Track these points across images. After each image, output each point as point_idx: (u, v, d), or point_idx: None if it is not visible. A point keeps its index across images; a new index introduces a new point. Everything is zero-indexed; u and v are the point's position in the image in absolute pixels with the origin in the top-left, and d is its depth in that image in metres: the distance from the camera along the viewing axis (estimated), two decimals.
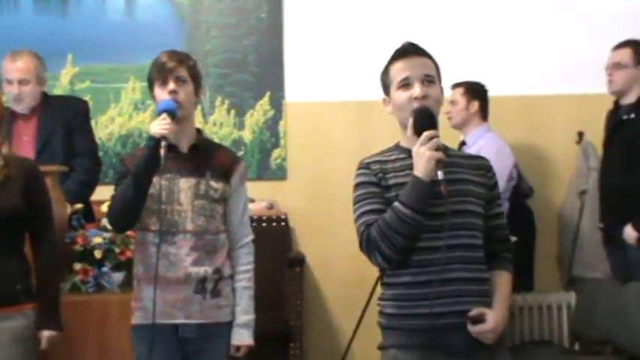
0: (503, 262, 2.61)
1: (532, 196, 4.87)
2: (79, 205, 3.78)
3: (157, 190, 2.86)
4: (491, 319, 2.46)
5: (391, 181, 2.52)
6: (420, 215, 2.42)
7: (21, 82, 4.10)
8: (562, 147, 5.11)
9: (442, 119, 4.41)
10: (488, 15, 5.16)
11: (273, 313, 4.63)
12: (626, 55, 4.33)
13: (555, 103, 5.13)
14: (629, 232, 4.07)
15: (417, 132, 2.46)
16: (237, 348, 2.99)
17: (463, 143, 4.56)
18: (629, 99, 4.32)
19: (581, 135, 5.04)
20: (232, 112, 5.20)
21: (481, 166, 2.62)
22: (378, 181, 2.53)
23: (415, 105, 2.50)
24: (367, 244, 2.49)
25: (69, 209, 3.71)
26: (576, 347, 4.64)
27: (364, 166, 2.58)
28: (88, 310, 3.51)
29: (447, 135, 4.48)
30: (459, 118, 4.57)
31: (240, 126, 5.21)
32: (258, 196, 4.90)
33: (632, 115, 4.27)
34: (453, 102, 4.57)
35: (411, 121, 2.50)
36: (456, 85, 4.60)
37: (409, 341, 2.48)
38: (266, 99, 5.21)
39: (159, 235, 2.86)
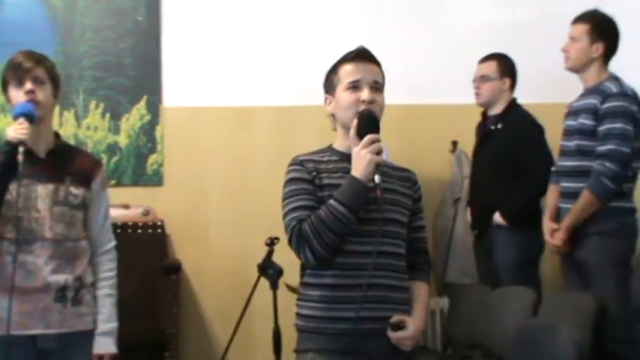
0: (422, 273, 2.70)
1: None
2: None
3: (13, 197, 2.74)
4: (412, 327, 2.52)
5: (325, 181, 2.54)
6: (354, 215, 2.45)
7: None
8: (436, 156, 5.22)
9: None
10: (363, 23, 5.20)
11: (148, 320, 4.55)
12: (491, 67, 4.49)
13: (429, 112, 5.24)
14: (497, 218, 4.29)
15: (360, 134, 2.49)
16: (100, 357, 2.90)
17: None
18: (496, 110, 4.48)
19: (454, 144, 5.16)
20: (107, 115, 5.08)
21: (408, 178, 2.70)
22: (311, 178, 2.55)
23: (361, 107, 2.53)
24: (298, 239, 2.49)
25: None
26: (449, 351, 4.74)
27: (298, 162, 2.59)
28: None
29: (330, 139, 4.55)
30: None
31: (116, 130, 5.09)
32: (134, 202, 4.81)
33: (500, 126, 4.42)
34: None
35: (355, 122, 2.51)
36: None
37: (329, 345, 2.50)
38: (142, 103, 5.11)
39: (15, 244, 2.75)
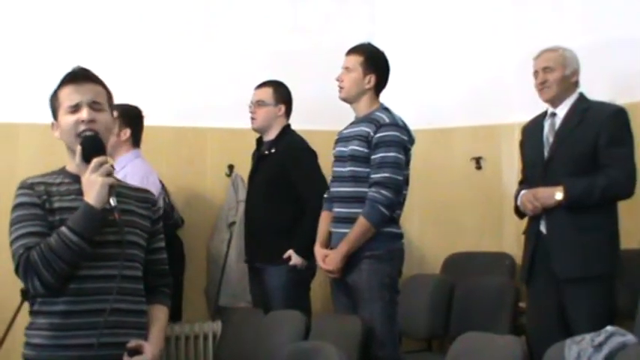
0: (161, 295, 2.66)
1: (182, 227, 4.91)
2: None
3: None
4: (149, 352, 2.47)
5: (56, 205, 2.44)
6: (88, 243, 2.36)
7: None
8: (212, 179, 5.23)
9: None
10: (146, 41, 5.14)
11: None
12: (267, 93, 4.58)
13: (207, 135, 5.24)
14: (294, 259, 4.34)
15: (86, 159, 2.42)
16: None
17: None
18: (270, 135, 4.56)
19: (231, 168, 5.19)
20: None
21: (147, 199, 2.65)
22: (41, 203, 2.43)
23: (82, 128, 2.46)
24: (25, 269, 2.37)
25: None
26: None
27: (27, 186, 2.47)
28: None
29: None
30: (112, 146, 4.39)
31: None
32: None
33: (273, 150, 4.50)
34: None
35: (79, 148, 2.44)
36: None
37: None
38: None
39: None
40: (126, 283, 2.45)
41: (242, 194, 4.99)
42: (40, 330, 2.44)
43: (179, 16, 5.27)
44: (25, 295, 3.85)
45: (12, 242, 2.43)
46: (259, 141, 4.65)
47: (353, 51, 4.09)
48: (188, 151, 5.21)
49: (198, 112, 5.17)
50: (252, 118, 4.58)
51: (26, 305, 3.88)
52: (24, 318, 3.93)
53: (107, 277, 2.39)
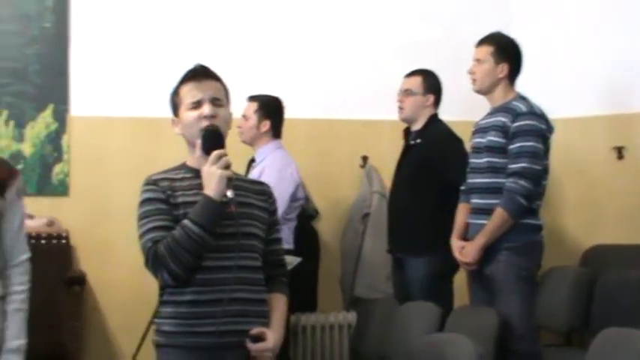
0: (280, 284, 2.73)
1: (317, 218, 4.97)
2: None
3: None
4: (271, 339, 2.55)
5: (179, 199, 2.53)
6: (210, 234, 2.45)
7: None
8: (346, 170, 5.26)
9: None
10: (276, 38, 5.22)
11: (50, 335, 4.42)
12: (415, 82, 4.51)
13: (340, 126, 5.27)
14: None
15: (206, 151, 2.51)
16: None
17: (253, 160, 4.50)
18: (417, 125, 4.50)
19: (365, 159, 5.21)
20: (11, 123, 4.93)
21: (264, 191, 2.72)
22: (166, 198, 2.53)
23: (204, 123, 2.54)
24: (154, 261, 2.48)
25: None
26: None
27: (152, 182, 2.57)
28: None
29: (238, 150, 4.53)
30: (248, 135, 4.48)
31: (20, 138, 4.95)
32: (38, 212, 4.67)
33: (419, 141, 4.46)
34: (245, 117, 4.46)
35: (199, 141, 2.53)
36: (251, 99, 4.48)
37: (187, 359, 2.50)
38: (49, 111, 4.98)
39: None
40: (246, 273, 2.53)
41: (376, 185, 4.99)
42: (169, 318, 2.55)
43: (312, 9, 5.33)
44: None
45: (140, 237, 2.54)
46: (407, 131, 4.60)
47: (483, 42, 4.04)
48: (322, 143, 5.25)
49: (331, 104, 5.22)
50: (400, 108, 4.50)
51: None
52: None
53: (229, 267, 2.47)
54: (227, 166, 2.48)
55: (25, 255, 2.91)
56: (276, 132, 4.43)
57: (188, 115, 2.58)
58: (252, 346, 2.52)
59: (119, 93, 5.05)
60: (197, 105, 2.57)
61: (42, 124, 4.98)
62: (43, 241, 4.73)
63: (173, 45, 5.09)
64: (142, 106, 5.03)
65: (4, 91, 4.91)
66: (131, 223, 4.88)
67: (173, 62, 5.05)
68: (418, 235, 4.31)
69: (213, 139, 2.52)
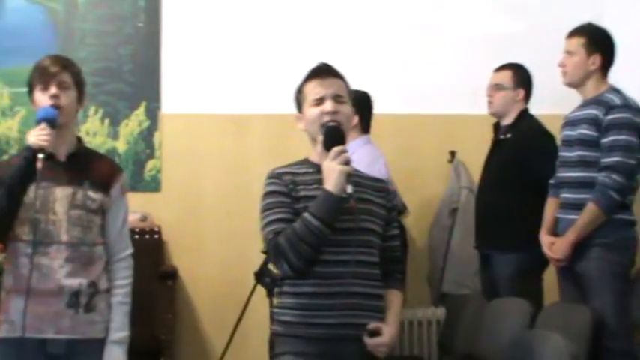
0: (395, 280, 2.78)
1: (405, 214, 4.96)
2: None
3: (31, 199, 2.75)
4: (387, 334, 2.62)
5: (301, 193, 2.63)
6: (329, 228, 2.53)
7: None
8: (434, 166, 5.23)
9: None
10: (361, 33, 5.23)
11: (143, 327, 4.52)
12: (505, 76, 4.45)
13: (428, 122, 5.25)
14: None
15: (327, 147, 2.59)
16: None
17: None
18: (507, 120, 4.44)
19: (453, 154, 5.17)
20: (106, 121, 5.08)
21: (382, 188, 2.79)
22: (288, 191, 2.63)
23: (326, 119, 2.63)
24: (275, 252, 2.58)
25: None
26: None
27: (275, 175, 2.68)
28: None
29: None
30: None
31: (115, 136, 5.10)
32: (131, 207, 4.72)
33: (509, 136, 4.40)
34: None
35: (321, 137, 2.62)
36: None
37: (306, 348, 2.58)
38: (142, 109, 5.11)
39: (32, 245, 2.76)
40: (363, 268, 2.59)
41: (464, 181, 4.96)
42: (288, 309, 2.63)
43: (399, 4, 5.31)
44: (259, 277, 4.07)
45: (263, 228, 2.64)
46: (496, 126, 4.54)
47: (573, 33, 3.97)
48: (409, 139, 5.24)
49: (418, 99, 5.19)
50: (489, 102, 4.46)
51: (258, 287, 4.13)
52: (257, 300, 4.18)
53: (347, 262, 2.54)
54: (347, 162, 2.55)
55: (129, 250, 3.03)
56: (365, 127, 4.42)
57: (311, 111, 2.67)
58: (369, 341, 2.58)
59: (209, 90, 5.14)
60: (320, 101, 2.65)
61: (135, 121, 5.12)
62: (136, 236, 4.85)
63: (261, 43, 5.17)
64: (231, 103, 5.13)
65: (100, 90, 5.06)
66: (221, 219, 5.07)
67: (261, 60, 5.16)
68: (506, 232, 4.26)
69: (334, 136, 2.60)
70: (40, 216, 2.78)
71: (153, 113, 5.13)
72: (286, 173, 2.68)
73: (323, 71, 2.72)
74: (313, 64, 2.80)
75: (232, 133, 5.15)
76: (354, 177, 2.60)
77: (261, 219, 2.65)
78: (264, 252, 4.13)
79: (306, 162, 2.74)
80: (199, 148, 5.14)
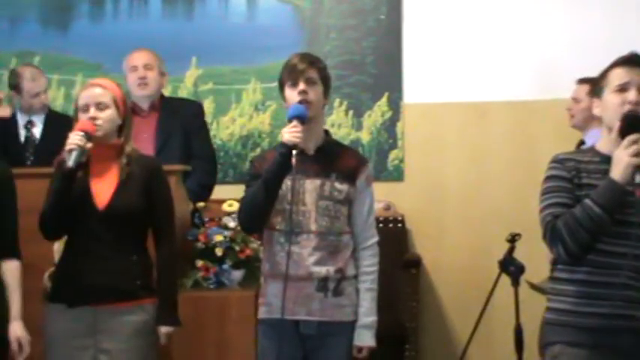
0: None
1: None
2: (201, 204, 3.88)
3: (284, 191, 2.92)
4: None
5: (584, 181, 2.59)
6: (610, 217, 2.49)
7: (146, 67, 4.25)
8: None
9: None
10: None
11: (388, 314, 4.61)
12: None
13: None
14: None
15: (623, 135, 2.53)
16: (360, 349, 3.02)
17: (582, 143, 4.36)
18: None
19: None
20: (350, 113, 5.24)
21: None
22: (570, 177, 2.60)
23: (626, 108, 2.56)
24: (552, 235, 2.56)
25: (190, 207, 3.83)
26: None
27: (558, 160, 2.66)
28: (209, 306, 3.60)
29: (569, 134, 4.42)
30: (580, 118, 4.35)
31: (358, 127, 5.24)
32: (376, 197, 4.90)
33: None
34: (575, 99, 4.37)
35: (618, 124, 2.56)
36: (581, 81, 4.34)
37: (578, 339, 2.56)
38: (384, 100, 5.22)
39: (285, 235, 2.94)
40: (639, 262, 2.52)
41: None
42: (563, 296, 2.61)
43: None
44: (503, 266, 4.03)
45: (541, 210, 2.63)
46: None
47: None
48: None
49: None
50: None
51: (503, 276, 4.08)
52: (502, 289, 4.13)
53: (624, 254, 2.50)
54: (637, 154, 2.47)
55: (375, 238, 3.12)
56: None
57: (612, 97, 2.61)
58: None
59: (450, 79, 5.15)
60: (623, 88, 2.60)
61: (378, 112, 5.23)
62: (380, 225, 4.95)
63: (501, 31, 5.10)
64: (472, 91, 5.11)
65: (344, 83, 5.22)
66: (464, 207, 5.06)
67: (501, 47, 5.09)
68: None
69: (633, 124, 2.53)
70: (292, 207, 2.93)
71: (395, 103, 5.21)
72: (570, 159, 2.64)
73: (634, 61, 2.64)
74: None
75: (473, 121, 5.13)
76: None
77: (540, 202, 2.63)
78: (509, 240, 4.09)
79: (592, 150, 2.69)
80: (441, 136, 5.17)
